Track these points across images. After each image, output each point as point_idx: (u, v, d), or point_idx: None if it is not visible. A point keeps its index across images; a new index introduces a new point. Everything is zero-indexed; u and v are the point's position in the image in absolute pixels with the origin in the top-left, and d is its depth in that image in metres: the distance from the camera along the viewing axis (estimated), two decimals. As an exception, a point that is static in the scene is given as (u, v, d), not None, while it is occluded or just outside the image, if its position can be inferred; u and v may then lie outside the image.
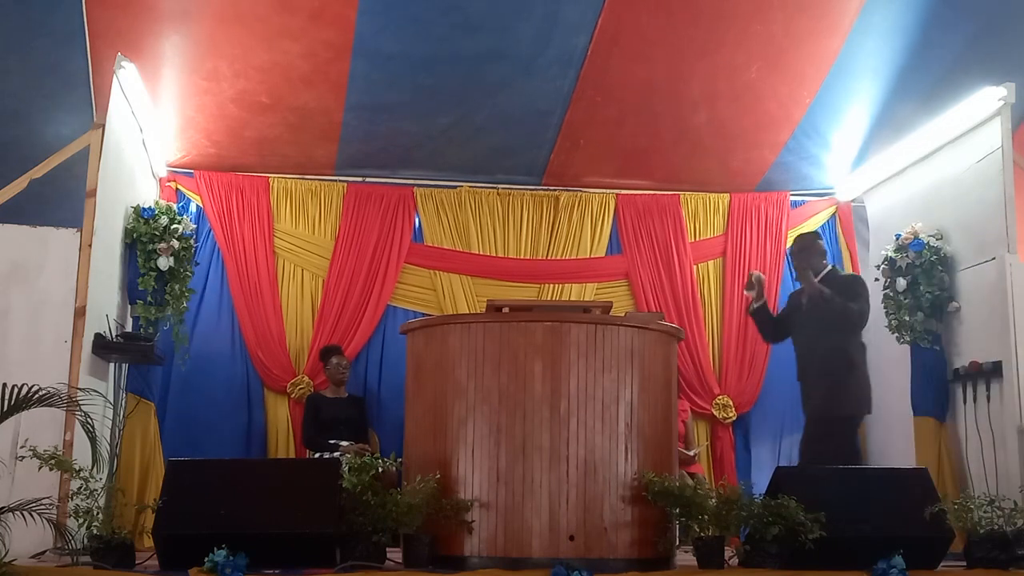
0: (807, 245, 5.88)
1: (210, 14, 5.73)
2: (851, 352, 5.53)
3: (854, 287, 5.67)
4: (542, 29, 5.93)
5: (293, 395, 6.64)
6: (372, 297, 6.84)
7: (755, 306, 5.92)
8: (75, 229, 5.13)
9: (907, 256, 6.17)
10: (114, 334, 5.48)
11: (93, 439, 4.10)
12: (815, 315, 5.59)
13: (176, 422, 6.40)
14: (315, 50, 5.94)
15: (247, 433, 6.59)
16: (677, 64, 6.26)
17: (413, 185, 7.10)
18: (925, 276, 6.07)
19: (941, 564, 4.38)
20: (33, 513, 3.77)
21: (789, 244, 6.32)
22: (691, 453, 6.39)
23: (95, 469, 4.13)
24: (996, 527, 4.36)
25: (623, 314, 6.74)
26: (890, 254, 6.30)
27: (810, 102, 6.50)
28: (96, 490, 4.08)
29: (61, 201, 5.49)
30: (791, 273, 7.21)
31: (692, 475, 5.77)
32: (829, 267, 5.83)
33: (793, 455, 6.75)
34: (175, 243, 5.99)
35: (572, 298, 7.00)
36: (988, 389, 5.62)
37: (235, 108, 6.31)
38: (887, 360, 6.68)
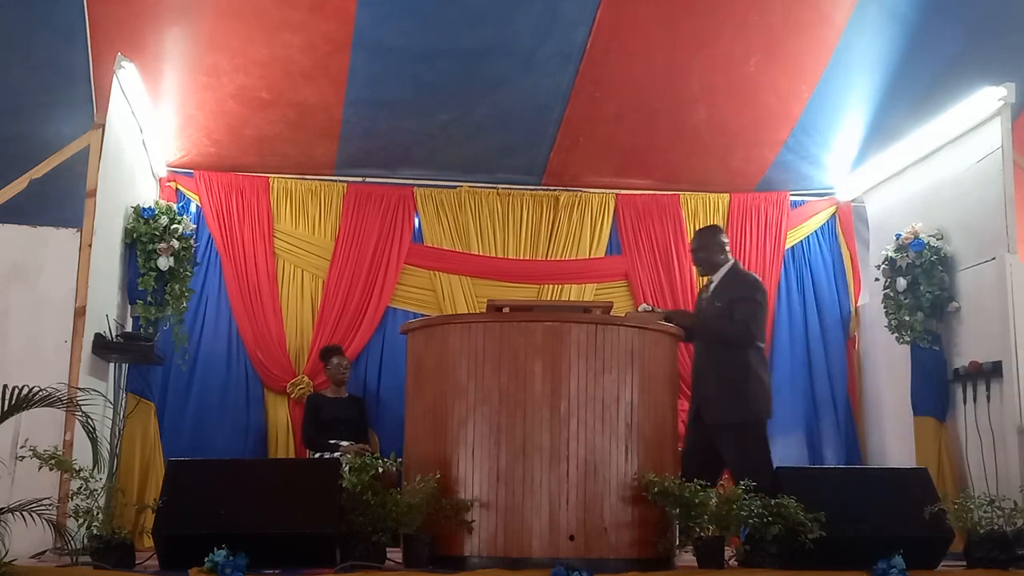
0: (707, 242, 5.46)
1: (210, 7, 5.74)
2: (747, 357, 5.13)
3: (744, 290, 5.25)
4: (541, 22, 5.93)
5: (293, 395, 6.64)
6: (372, 298, 6.84)
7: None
8: (75, 229, 5.12)
9: (907, 256, 6.17)
10: (114, 334, 5.48)
11: (93, 439, 4.10)
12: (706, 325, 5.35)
13: (176, 422, 6.40)
14: (315, 43, 5.94)
15: (247, 433, 6.59)
16: (675, 58, 6.26)
17: (413, 185, 7.10)
18: (925, 276, 6.07)
19: (941, 564, 4.39)
20: (33, 513, 3.77)
21: (690, 239, 5.80)
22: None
23: (95, 469, 4.13)
24: (996, 527, 4.37)
25: (625, 313, 6.78)
26: (890, 254, 6.30)
27: (809, 97, 6.49)
28: (96, 490, 4.08)
29: (61, 201, 5.49)
30: (793, 273, 7.24)
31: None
32: (730, 263, 5.41)
33: (794, 455, 6.75)
34: (175, 243, 5.99)
35: (572, 299, 6.99)
36: (988, 389, 5.62)
37: (235, 104, 6.31)
38: (887, 360, 6.69)
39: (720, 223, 7.26)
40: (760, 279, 5.54)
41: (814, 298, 7.21)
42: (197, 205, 6.81)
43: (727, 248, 5.46)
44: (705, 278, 5.55)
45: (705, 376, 5.21)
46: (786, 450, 6.77)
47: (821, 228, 7.30)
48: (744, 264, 7.12)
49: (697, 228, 7.19)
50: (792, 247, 7.31)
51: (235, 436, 6.53)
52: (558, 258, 7.14)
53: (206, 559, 3.66)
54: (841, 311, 7.19)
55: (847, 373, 7.09)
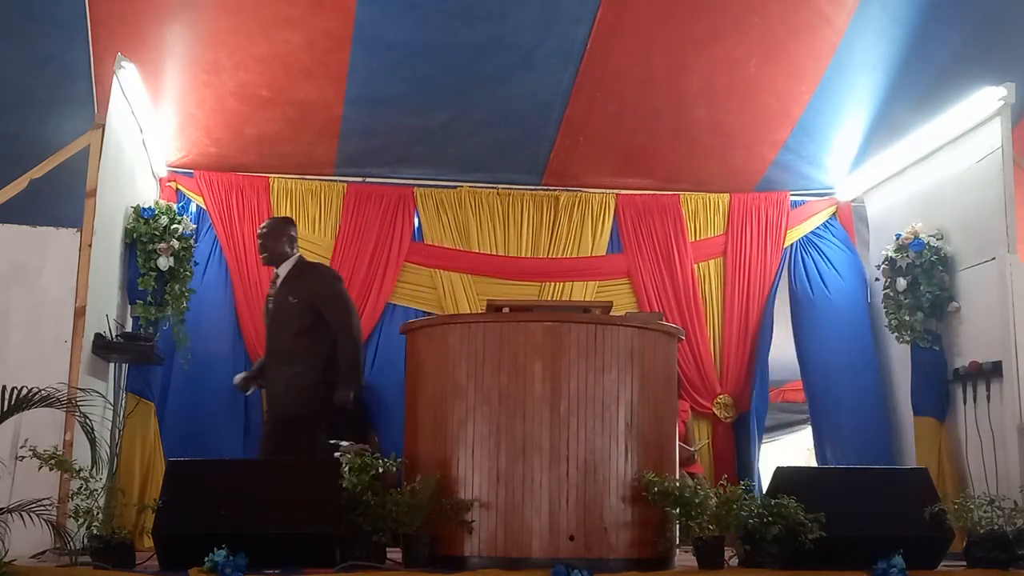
0: (276, 231, 5.41)
1: (211, 3, 5.74)
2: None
3: (325, 285, 5.32)
4: (542, 19, 5.93)
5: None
6: (372, 296, 6.84)
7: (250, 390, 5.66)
8: (75, 229, 5.12)
9: (907, 256, 6.17)
10: (114, 334, 5.47)
11: (93, 439, 4.10)
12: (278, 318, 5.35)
13: (176, 422, 6.39)
14: (315, 40, 5.94)
15: (247, 433, 6.58)
16: (676, 57, 6.26)
17: (413, 185, 7.10)
18: (925, 276, 6.08)
19: (941, 564, 4.38)
20: (33, 513, 3.77)
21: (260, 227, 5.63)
22: (692, 449, 6.39)
23: (95, 469, 4.13)
24: (996, 527, 4.37)
25: (625, 313, 6.78)
26: (890, 254, 6.30)
27: (809, 98, 6.50)
28: (96, 490, 4.08)
29: (61, 201, 5.48)
30: (792, 274, 7.23)
31: (692, 475, 5.77)
32: (296, 256, 5.40)
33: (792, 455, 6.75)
34: (175, 243, 5.99)
35: (573, 296, 7.00)
36: (988, 389, 5.62)
37: (235, 102, 6.31)
38: (887, 360, 6.70)
39: (720, 223, 7.28)
40: (330, 268, 5.65)
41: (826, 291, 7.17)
42: (197, 205, 6.81)
43: (296, 242, 5.49)
44: (272, 270, 5.46)
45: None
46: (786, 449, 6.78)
47: (821, 228, 7.28)
48: (745, 264, 7.17)
49: (695, 228, 7.25)
50: (802, 242, 7.29)
51: (235, 436, 6.53)
52: (559, 256, 7.14)
53: (206, 559, 3.66)
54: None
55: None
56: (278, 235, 5.39)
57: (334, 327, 5.25)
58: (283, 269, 5.38)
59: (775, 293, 7.15)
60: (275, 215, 6.86)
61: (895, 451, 6.57)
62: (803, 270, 7.22)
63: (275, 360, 5.38)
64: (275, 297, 5.38)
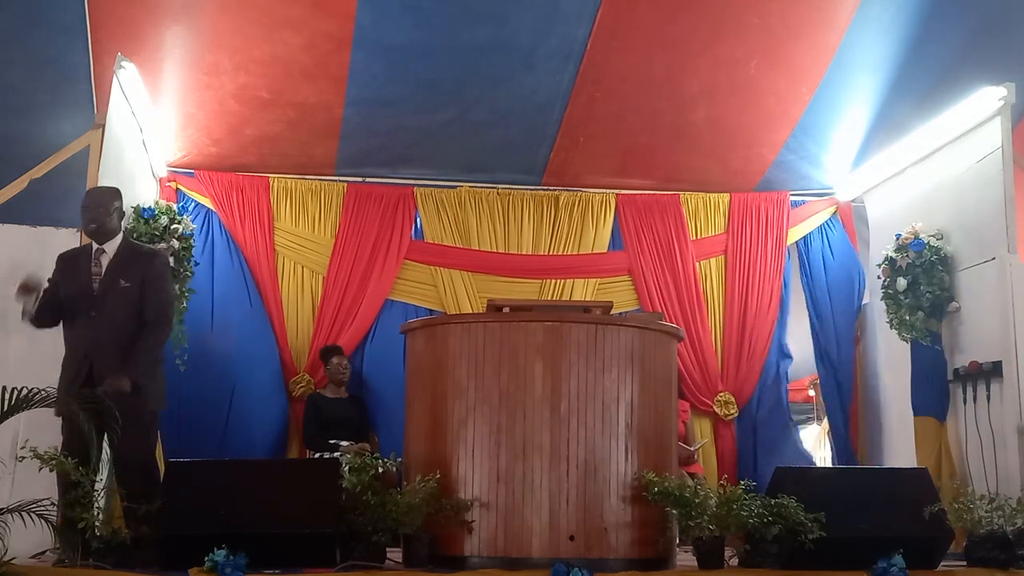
0: (105, 202, 4.69)
1: (211, 6, 5.74)
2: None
3: (158, 272, 4.70)
4: (542, 20, 5.93)
5: (294, 393, 6.64)
6: (372, 294, 6.84)
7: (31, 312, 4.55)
8: (75, 229, 5.12)
9: (907, 256, 6.16)
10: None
11: (92, 440, 4.09)
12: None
13: (176, 422, 6.39)
14: (316, 42, 5.94)
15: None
16: (676, 58, 6.26)
17: (413, 185, 7.09)
18: (925, 276, 6.07)
19: (941, 564, 4.38)
20: (33, 513, 3.77)
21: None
22: (692, 448, 6.39)
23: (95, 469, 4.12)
24: (996, 527, 4.37)
25: (626, 310, 6.79)
26: (890, 254, 6.29)
27: (809, 99, 6.50)
28: (96, 490, 4.07)
29: (61, 201, 5.48)
30: (800, 275, 7.24)
31: (692, 475, 5.78)
32: (122, 234, 4.79)
33: (791, 455, 6.76)
34: (175, 243, 5.98)
35: (574, 294, 7.00)
36: (988, 389, 5.61)
37: (235, 104, 6.31)
38: (887, 360, 6.69)
39: (721, 222, 7.28)
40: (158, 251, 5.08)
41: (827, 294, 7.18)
42: (196, 204, 6.81)
43: (122, 218, 4.86)
44: (97, 247, 4.68)
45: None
46: (786, 448, 6.78)
47: (822, 227, 7.29)
48: (746, 262, 7.17)
49: (695, 227, 7.25)
50: (803, 241, 7.30)
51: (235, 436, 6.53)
52: (560, 253, 7.14)
53: (206, 559, 3.67)
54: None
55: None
56: (109, 207, 4.70)
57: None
58: (110, 247, 4.68)
59: (785, 290, 7.15)
60: (275, 214, 6.88)
61: (895, 451, 6.56)
62: (804, 269, 7.23)
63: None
64: (104, 277, 4.62)
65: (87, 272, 4.60)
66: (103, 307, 4.56)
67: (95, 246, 4.67)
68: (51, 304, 4.59)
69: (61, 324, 4.64)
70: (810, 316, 7.17)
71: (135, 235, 5.92)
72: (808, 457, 7.15)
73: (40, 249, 5.10)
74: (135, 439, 4.34)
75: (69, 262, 4.69)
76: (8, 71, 5.81)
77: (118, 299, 4.57)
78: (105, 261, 4.64)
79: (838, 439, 6.95)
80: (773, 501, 4.22)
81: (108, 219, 4.67)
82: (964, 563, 4.44)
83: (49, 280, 4.64)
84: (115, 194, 4.82)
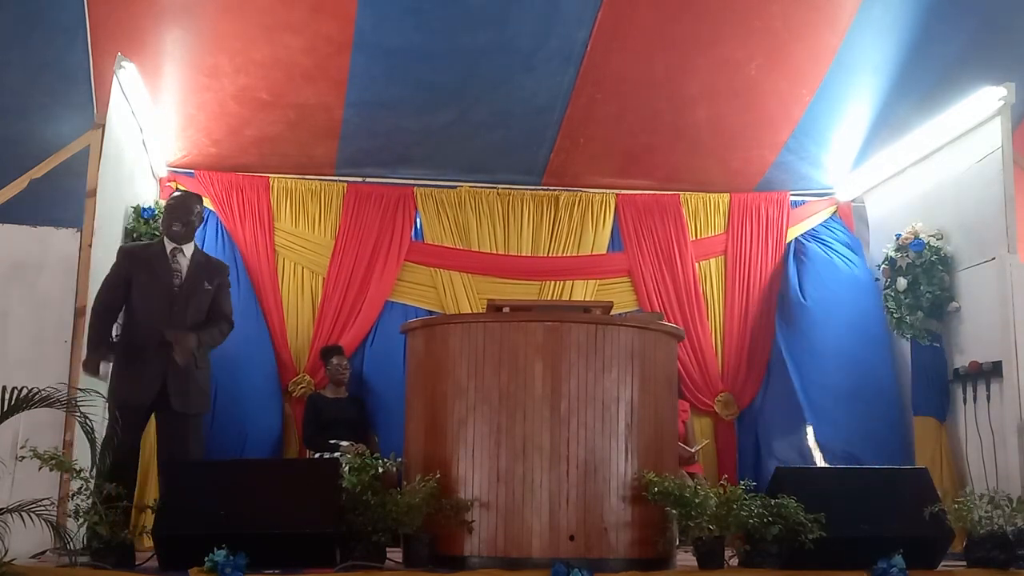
0: (193, 207, 5.02)
1: (211, 8, 5.74)
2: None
3: (223, 277, 5.05)
4: (543, 22, 5.93)
5: (295, 394, 6.64)
6: (373, 296, 6.84)
7: None
8: (75, 229, 5.12)
9: (907, 256, 6.17)
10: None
11: (93, 439, 4.10)
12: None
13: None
14: (316, 44, 5.95)
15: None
16: (676, 59, 6.26)
17: (413, 185, 7.10)
18: (925, 276, 6.08)
19: (941, 564, 4.38)
20: (33, 513, 3.77)
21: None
22: (692, 450, 6.39)
23: (95, 470, 4.12)
24: (996, 527, 4.36)
25: (627, 311, 6.78)
26: (890, 254, 6.30)
27: (810, 99, 6.50)
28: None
29: (61, 201, 5.48)
30: (792, 272, 7.22)
31: (692, 475, 5.77)
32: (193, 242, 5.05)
33: (793, 454, 6.75)
34: (175, 243, 5.98)
35: (574, 294, 7.00)
36: (988, 389, 5.62)
37: (235, 105, 6.32)
38: (887, 360, 6.68)
39: (721, 222, 7.28)
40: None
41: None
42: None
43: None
44: (183, 247, 4.94)
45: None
46: (787, 448, 6.76)
47: (822, 226, 7.27)
48: (746, 262, 7.17)
49: (695, 227, 7.24)
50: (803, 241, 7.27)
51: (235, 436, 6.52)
52: (559, 255, 7.13)
53: (206, 559, 3.67)
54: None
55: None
56: (194, 212, 5.01)
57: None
58: (188, 248, 4.97)
59: (786, 289, 7.13)
60: (275, 215, 6.88)
61: (894, 451, 6.55)
62: (804, 269, 7.21)
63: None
64: (187, 275, 4.90)
65: (167, 270, 4.88)
66: (186, 305, 4.88)
67: (170, 245, 4.92)
68: (115, 312, 4.93)
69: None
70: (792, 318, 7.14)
71: (135, 235, 5.93)
72: (808, 457, 7.13)
73: (40, 249, 5.11)
74: (185, 441, 4.78)
75: (141, 258, 4.94)
76: (8, 72, 5.81)
77: (199, 300, 4.92)
78: (183, 262, 4.92)
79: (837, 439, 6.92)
80: (773, 501, 4.21)
81: (194, 222, 5.00)
82: (964, 563, 4.44)
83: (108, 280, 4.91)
84: (200, 200, 5.22)
